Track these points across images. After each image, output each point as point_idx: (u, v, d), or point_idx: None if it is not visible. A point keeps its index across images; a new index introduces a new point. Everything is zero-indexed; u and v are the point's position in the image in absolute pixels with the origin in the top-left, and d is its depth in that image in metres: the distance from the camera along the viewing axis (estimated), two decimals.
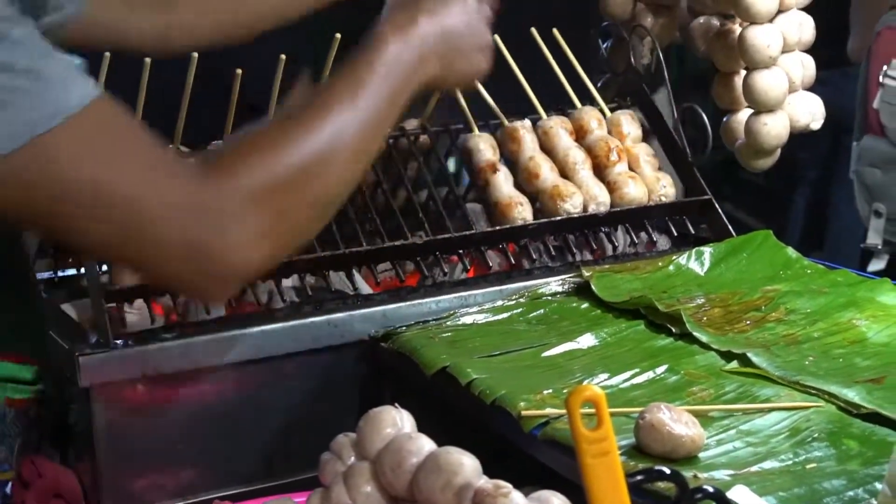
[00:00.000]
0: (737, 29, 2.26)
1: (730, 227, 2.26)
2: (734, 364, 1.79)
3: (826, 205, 4.09)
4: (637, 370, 1.78)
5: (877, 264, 2.75)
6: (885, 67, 2.64)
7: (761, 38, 2.16)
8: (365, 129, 1.57)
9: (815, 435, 1.56)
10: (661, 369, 1.78)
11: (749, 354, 1.79)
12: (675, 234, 2.28)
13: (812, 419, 1.60)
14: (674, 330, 1.91)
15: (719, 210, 2.28)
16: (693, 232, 2.29)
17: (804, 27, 2.25)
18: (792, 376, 1.72)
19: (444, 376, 1.79)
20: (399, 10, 1.71)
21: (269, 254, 1.46)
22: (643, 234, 2.28)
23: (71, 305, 2.01)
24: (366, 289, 2.09)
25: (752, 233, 2.23)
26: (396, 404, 1.53)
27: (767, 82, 2.18)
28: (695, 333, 1.87)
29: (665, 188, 2.27)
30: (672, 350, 1.86)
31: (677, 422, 1.51)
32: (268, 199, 1.45)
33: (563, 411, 1.59)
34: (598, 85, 2.44)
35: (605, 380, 1.75)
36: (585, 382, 1.74)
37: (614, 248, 2.24)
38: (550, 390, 1.70)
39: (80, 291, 2.01)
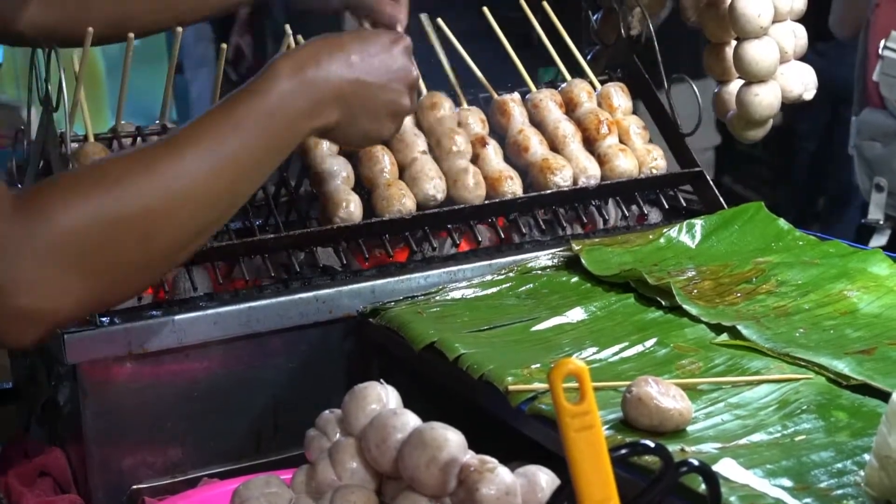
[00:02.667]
0: None
1: (721, 199, 2.24)
2: (724, 337, 1.78)
3: (824, 176, 4.08)
4: (626, 344, 1.76)
5: (878, 240, 2.74)
6: (883, 40, 2.62)
7: (752, 8, 2.14)
8: (224, 177, 1.37)
9: (804, 407, 1.54)
10: (650, 343, 1.76)
11: (739, 327, 1.77)
12: (667, 206, 2.26)
13: (801, 391, 1.59)
14: (664, 303, 1.89)
15: (710, 182, 2.27)
16: (684, 204, 2.28)
17: None
18: (782, 348, 1.70)
19: (432, 352, 1.77)
20: (309, 44, 1.52)
21: (75, 306, 1.31)
22: (634, 207, 2.26)
23: None
24: (355, 265, 2.07)
25: (744, 205, 2.21)
26: (382, 380, 1.52)
27: (758, 52, 2.16)
28: (684, 306, 1.86)
29: (656, 160, 2.26)
30: (662, 323, 1.84)
31: (665, 395, 1.49)
32: (78, 248, 1.28)
33: (548, 385, 1.59)
34: (588, 57, 2.43)
35: (594, 353, 1.74)
36: (573, 356, 1.72)
37: (605, 221, 2.22)
38: (538, 365, 1.69)
39: None
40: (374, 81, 1.55)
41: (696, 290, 1.93)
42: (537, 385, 1.62)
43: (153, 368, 1.88)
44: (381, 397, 1.49)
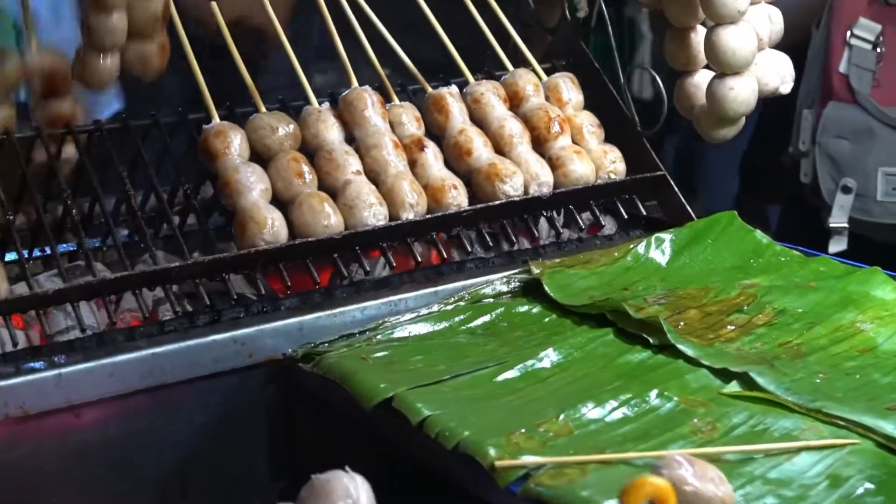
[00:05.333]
0: None
1: (688, 208, 1.96)
2: (734, 385, 1.49)
3: (695, 154, 3.82)
4: (623, 397, 1.46)
5: (838, 244, 2.50)
6: (849, 29, 2.37)
7: None
8: None
9: (864, 485, 1.27)
10: (650, 396, 1.47)
11: (752, 374, 1.49)
12: (626, 216, 1.97)
13: (851, 462, 1.31)
14: (651, 340, 1.60)
15: (675, 187, 1.98)
16: (644, 213, 1.99)
17: None
18: (809, 402, 1.43)
19: (386, 409, 1.45)
20: None
21: None
22: (585, 216, 1.96)
23: None
24: (270, 294, 1.74)
25: (715, 215, 1.94)
26: (347, 467, 1.19)
27: (735, 40, 1.87)
28: (679, 346, 1.57)
29: (615, 164, 1.96)
30: (654, 368, 1.55)
31: (702, 479, 1.20)
32: None
33: (545, 460, 1.30)
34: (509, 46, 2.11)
35: (587, 412, 1.43)
36: (562, 417, 1.42)
37: (558, 234, 1.92)
38: (523, 430, 1.38)
39: None
40: None
41: (683, 323, 1.65)
42: (528, 459, 1.31)
43: (35, 433, 1.51)
44: (350, 492, 1.17)
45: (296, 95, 1.93)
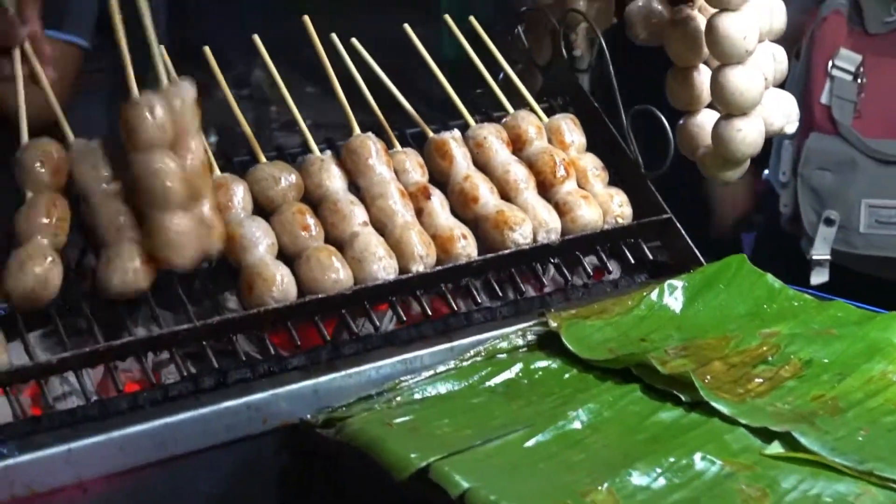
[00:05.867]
0: (696, 16, 1.91)
1: (696, 252, 1.92)
2: (776, 446, 1.44)
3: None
4: (666, 462, 1.40)
5: (820, 276, 2.47)
6: (831, 59, 2.34)
7: (736, 29, 1.81)
8: None
9: None
10: (694, 459, 1.41)
11: (795, 433, 1.44)
12: (633, 261, 1.92)
13: None
14: (682, 398, 1.54)
15: (682, 231, 1.93)
16: (650, 257, 1.93)
17: (775, 13, 1.91)
18: (858, 464, 1.38)
19: (419, 480, 1.38)
20: None
21: None
22: (589, 260, 1.91)
23: None
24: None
25: (726, 259, 1.89)
26: None
27: (743, 81, 1.83)
28: (714, 404, 1.52)
29: (621, 207, 1.91)
30: (690, 427, 1.50)
31: None
32: None
33: None
34: (500, 78, 2.05)
35: (633, 479, 1.37)
36: (605, 486, 1.36)
37: (566, 281, 1.86)
38: (568, 501, 1.32)
39: None
40: None
41: (709, 377, 1.60)
42: None
43: None
44: None
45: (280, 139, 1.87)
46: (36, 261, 1.50)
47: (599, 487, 1.35)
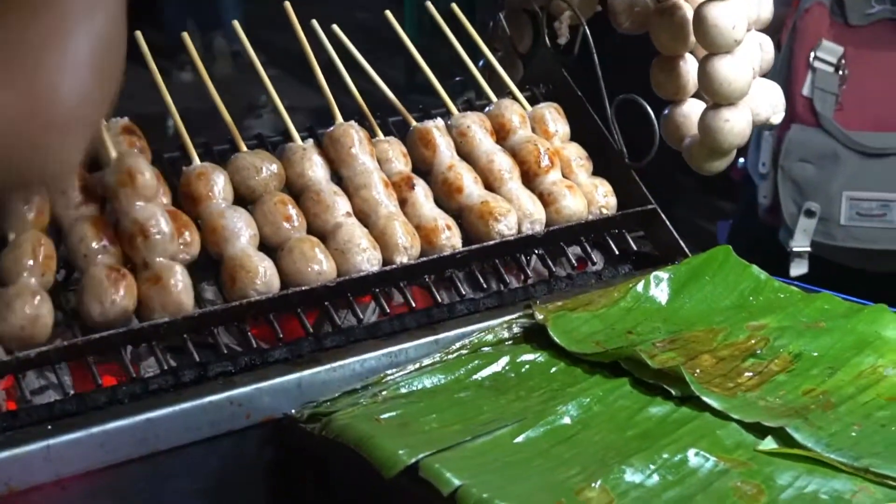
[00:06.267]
0: (683, 5, 1.88)
1: (681, 243, 1.89)
2: (769, 441, 1.42)
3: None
4: (659, 459, 1.38)
5: (799, 268, 2.45)
6: (812, 51, 2.32)
7: (726, 18, 1.78)
8: None
9: None
10: (688, 455, 1.39)
11: (788, 429, 1.42)
12: (617, 252, 1.89)
13: None
14: (672, 392, 1.52)
15: (667, 222, 1.91)
16: (634, 248, 1.91)
17: (763, 3, 1.89)
18: (854, 460, 1.37)
19: (407, 477, 1.35)
20: None
21: None
22: (572, 251, 1.88)
23: None
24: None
25: (711, 251, 1.87)
26: None
27: (731, 71, 1.81)
28: (705, 399, 1.50)
29: (606, 198, 1.88)
30: (681, 422, 1.47)
31: None
32: None
33: None
34: (480, 65, 2.03)
35: (627, 477, 1.35)
36: (598, 483, 1.33)
37: (550, 272, 1.84)
38: (562, 499, 1.29)
39: None
40: None
41: (699, 370, 1.58)
42: None
43: None
44: None
45: (259, 126, 1.83)
46: (25, 300, 1.46)
47: (593, 485, 1.33)
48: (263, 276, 1.57)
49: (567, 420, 1.48)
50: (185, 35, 1.78)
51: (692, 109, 1.92)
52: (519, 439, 1.44)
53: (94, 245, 1.53)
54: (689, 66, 1.91)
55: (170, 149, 1.72)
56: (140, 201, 1.55)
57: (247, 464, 1.53)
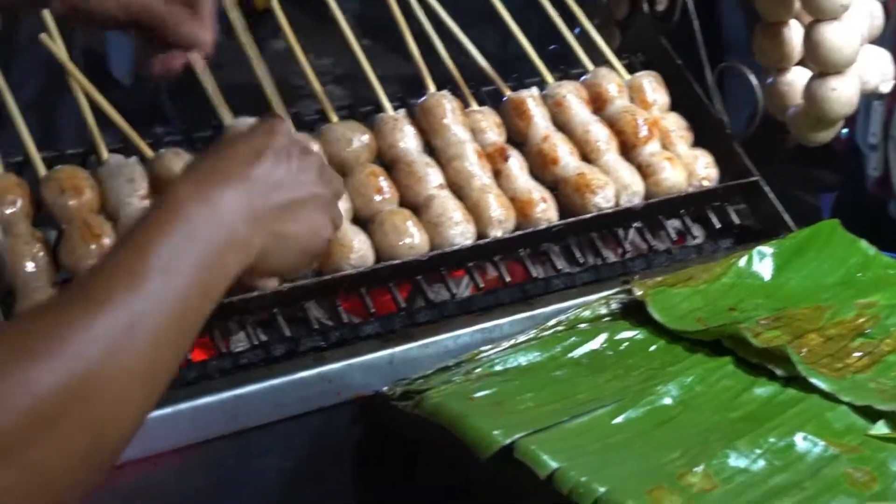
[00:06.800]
0: None
1: (786, 217, 1.83)
2: (881, 426, 1.36)
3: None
4: (765, 443, 1.33)
5: None
6: None
7: None
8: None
9: None
10: (796, 440, 1.33)
11: None
12: (718, 225, 1.83)
13: None
14: (777, 372, 1.46)
15: (770, 194, 1.84)
16: (737, 221, 1.85)
17: None
18: None
19: (502, 458, 1.31)
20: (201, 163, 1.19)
21: None
22: (671, 224, 1.82)
23: None
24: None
25: (817, 224, 1.80)
26: None
27: (839, 37, 1.74)
28: (812, 380, 1.44)
29: (707, 169, 1.82)
30: (788, 404, 1.41)
31: None
32: (19, 445, 0.94)
33: None
34: (576, 34, 1.97)
35: (732, 461, 1.30)
36: (701, 468, 1.28)
37: (649, 247, 1.78)
38: (664, 485, 1.24)
39: None
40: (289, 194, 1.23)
41: (805, 350, 1.51)
42: None
43: (110, 485, 1.37)
44: None
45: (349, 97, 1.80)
46: None
47: (695, 469, 1.28)
48: (359, 250, 1.54)
49: (668, 400, 1.43)
50: (275, 2, 1.74)
51: (797, 78, 1.85)
52: (618, 420, 1.39)
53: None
54: (794, 33, 1.84)
55: None
56: None
57: (335, 442, 1.50)
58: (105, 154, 1.55)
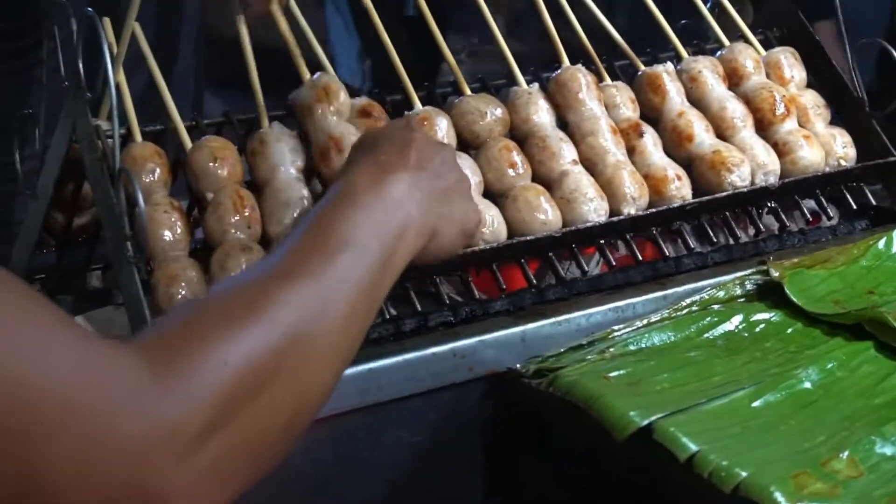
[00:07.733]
0: None
1: None
2: None
3: None
4: None
5: None
6: None
7: None
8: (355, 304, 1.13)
9: None
10: None
11: None
12: (855, 206, 1.78)
13: None
14: None
15: None
16: (873, 202, 1.80)
17: None
18: None
19: (639, 440, 1.29)
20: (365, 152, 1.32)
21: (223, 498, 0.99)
22: (807, 204, 1.78)
23: None
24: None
25: None
26: None
27: None
28: None
29: (845, 148, 1.78)
30: None
31: None
32: (235, 409, 0.98)
33: None
34: (708, 6, 1.92)
35: (878, 448, 1.26)
36: (846, 454, 1.25)
37: (784, 227, 1.74)
38: (808, 470, 1.21)
39: None
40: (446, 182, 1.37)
41: None
42: None
43: None
44: None
45: (477, 72, 1.78)
46: (234, 257, 1.42)
47: (840, 455, 1.25)
48: (491, 224, 1.52)
49: (808, 385, 1.40)
50: None
51: None
52: (757, 404, 1.36)
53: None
54: None
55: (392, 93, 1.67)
56: (334, 117, 1.52)
57: (465, 418, 1.48)
58: (266, 121, 1.55)
